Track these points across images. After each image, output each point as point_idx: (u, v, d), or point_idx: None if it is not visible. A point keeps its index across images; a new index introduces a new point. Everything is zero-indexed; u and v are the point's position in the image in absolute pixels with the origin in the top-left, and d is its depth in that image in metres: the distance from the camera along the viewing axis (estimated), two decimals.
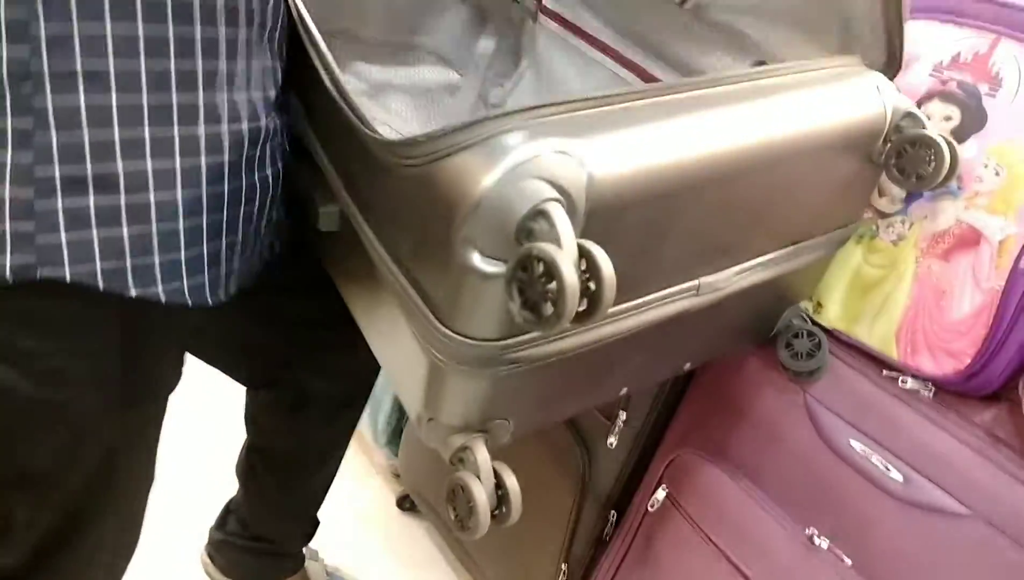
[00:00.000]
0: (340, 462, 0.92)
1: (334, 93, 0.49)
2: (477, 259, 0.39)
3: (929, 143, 0.53)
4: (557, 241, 0.36)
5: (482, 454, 0.47)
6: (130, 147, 0.44)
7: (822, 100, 0.51)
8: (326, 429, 0.87)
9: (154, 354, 0.55)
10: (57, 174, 0.43)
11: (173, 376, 0.59)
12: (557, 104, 0.42)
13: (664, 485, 0.74)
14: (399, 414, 1.20)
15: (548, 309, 0.35)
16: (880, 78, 0.55)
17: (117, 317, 0.49)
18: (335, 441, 0.90)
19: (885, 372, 0.64)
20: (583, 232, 0.39)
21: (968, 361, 0.59)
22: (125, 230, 0.46)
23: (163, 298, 0.49)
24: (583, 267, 0.36)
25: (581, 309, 0.36)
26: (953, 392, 0.62)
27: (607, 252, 0.36)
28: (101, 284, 0.46)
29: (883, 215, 0.63)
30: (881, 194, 0.63)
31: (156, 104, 0.44)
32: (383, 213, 0.49)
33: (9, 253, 0.43)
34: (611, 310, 0.44)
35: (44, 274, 0.45)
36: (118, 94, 0.43)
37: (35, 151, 0.42)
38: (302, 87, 0.55)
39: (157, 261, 0.48)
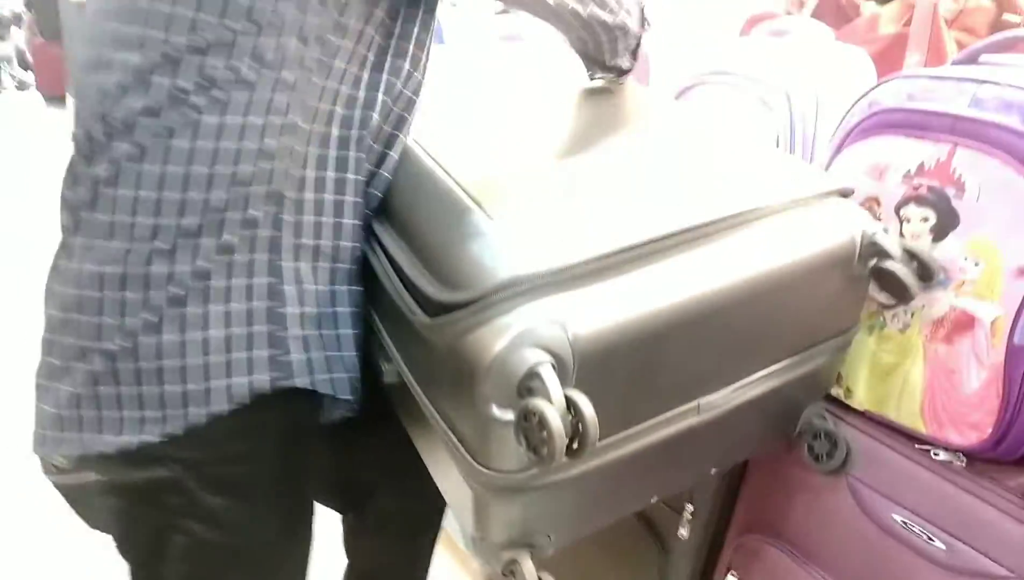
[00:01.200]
0: (427, 572, 1.01)
1: (382, 276, 0.62)
2: (495, 410, 0.50)
3: (891, 272, 0.61)
4: (548, 396, 0.46)
5: (528, 566, 0.56)
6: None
7: (794, 235, 0.60)
8: (410, 544, 0.96)
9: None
10: (288, 312, 0.59)
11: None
12: (548, 273, 0.51)
13: (733, 571, 0.80)
14: None
15: (544, 450, 0.45)
16: (848, 204, 0.64)
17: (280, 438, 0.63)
18: (418, 556, 0.98)
19: (918, 446, 0.70)
20: (576, 379, 0.49)
21: (990, 431, 0.65)
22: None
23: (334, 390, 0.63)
24: (573, 412, 0.46)
25: (574, 447, 0.46)
26: (984, 459, 0.67)
27: (600, 390, 0.46)
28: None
29: (886, 307, 0.71)
30: (881, 289, 0.71)
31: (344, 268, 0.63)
32: (425, 374, 0.60)
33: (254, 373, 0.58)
34: (613, 438, 0.54)
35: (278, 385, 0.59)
36: (326, 262, 0.62)
37: (279, 299, 0.58)
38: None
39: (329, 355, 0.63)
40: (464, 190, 0.60)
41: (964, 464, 0.68)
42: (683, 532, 0.90)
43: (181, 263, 0.55)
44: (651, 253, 0.55)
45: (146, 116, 0.53)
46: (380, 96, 0.63)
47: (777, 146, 0.84)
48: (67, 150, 0.57)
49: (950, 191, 0.66)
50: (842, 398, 0.75)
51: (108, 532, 0.64)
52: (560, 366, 0.49)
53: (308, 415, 0.66)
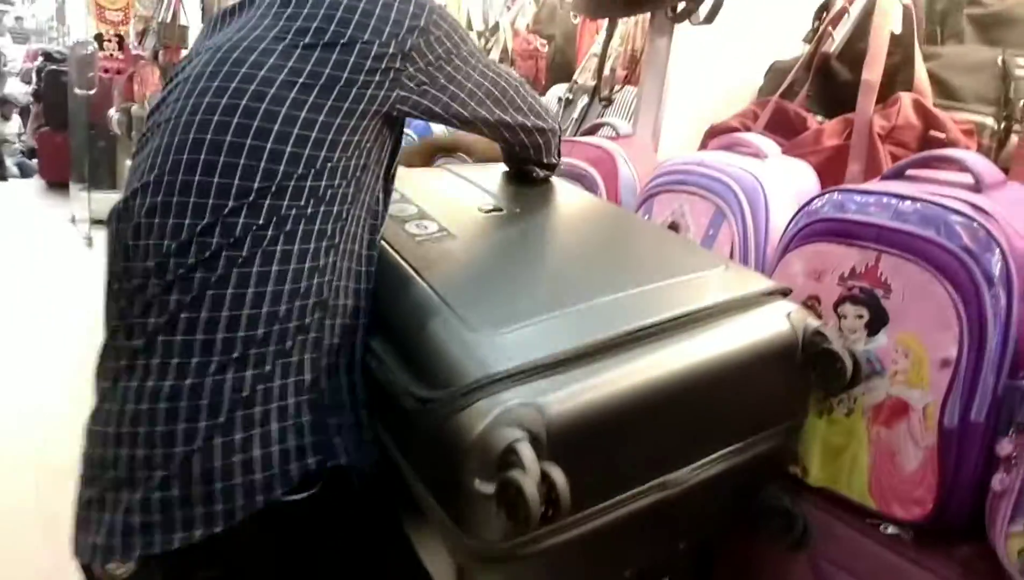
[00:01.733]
0: None
1: (376, 371, 0.70)
2: (477, 483, 0.57)
3: (834, 356, 0.70)
4: (524, 467, 0.53)
5: None
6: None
7: (741, 330, 0.70)
8: None
9: None
10: (325, 402, 0.68)
11: None
12: (521, 366, 0.60)
13: None
14: None
15: (522, 517, 0.52)
16: (790, 305, 0.73)
17: None
18: None
19: (868, 520, 0.77)
20: (549, 451, 0.56)
21: (931, 506, 0.72)
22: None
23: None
24: (547, 483, 0.53)
25: (549, 514, 0.53)
26: (929, 532, 0.74)
27: (572, 466, 0.53)
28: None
29: (831, 394, 0.79)
30: (817, 383, 0.79)
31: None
32: (416, 458, 0.67)
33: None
34: (588, 511, 0.61)
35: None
36: (345, 358, 0.71)
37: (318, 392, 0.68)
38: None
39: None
40: (439, 295, 0.70)
41: (911, 536, 0.75)
42: None
43: (249, 369, 0.63)
44: (614, 346, 0.64)
45: (228, 250, 0.63)
46: (382, 212, 0.75)
47: (731, 250, 0.94)
48: (117, 283, 0.66)
49: (879, 292, 0.75)
50: (799, 476, 0.83)
51: None
52: (535, 442, 0.56)
53: (342, 497, 0.72)
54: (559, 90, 1.65)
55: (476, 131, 0.85)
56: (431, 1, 0.73)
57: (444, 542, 0.63)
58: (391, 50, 0.68)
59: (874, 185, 0.84)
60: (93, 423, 0.67)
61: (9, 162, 8.06)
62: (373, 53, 0.68)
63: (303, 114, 0.65)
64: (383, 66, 0.68)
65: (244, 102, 0.65)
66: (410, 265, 0.76)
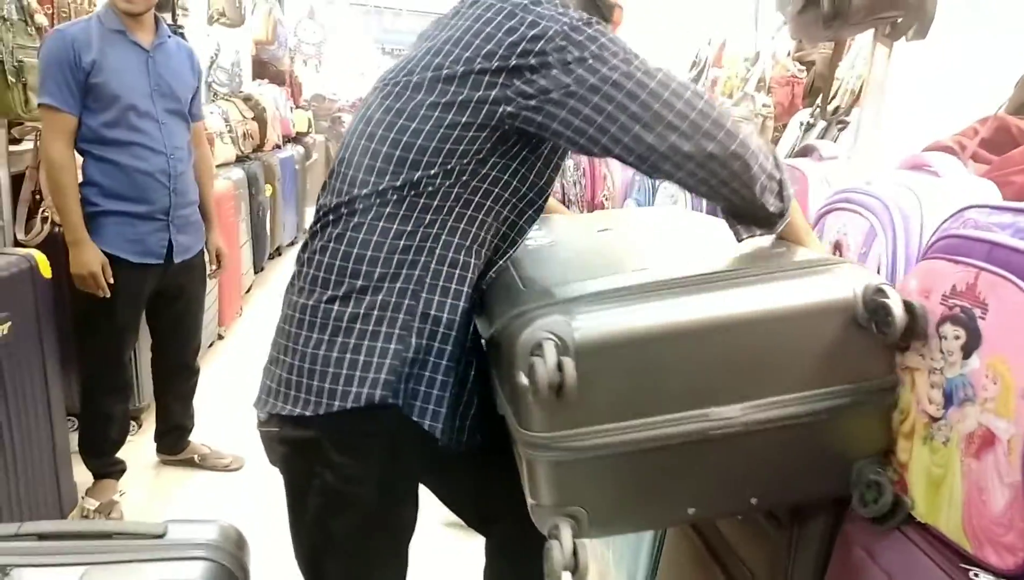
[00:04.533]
0: None
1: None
2: (521, 377, 0.74)
3: (886, 309, 0.72)
4: (543, 356, 0.70)
5: (566, 532, 0.75)
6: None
7: (795, 286, 0.76)
8: (524, 570, 1.10)
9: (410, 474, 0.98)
10: (408, 357, 0.91)
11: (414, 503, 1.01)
12: (563, 301, 0.78)
13: None
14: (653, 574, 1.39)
15: (534, 386, 0.70)
16: (855, 270, 0.77)
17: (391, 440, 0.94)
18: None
19: (962, 564, 0.70)
20: (577, 357, 0.71)
21: (1022, 555, 0.65)
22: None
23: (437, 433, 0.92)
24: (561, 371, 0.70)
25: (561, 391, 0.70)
26: None
27: (602, 371, 0.71)
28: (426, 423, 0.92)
29: (934, 419, 0.74)
30: (931, 402, 0.74)
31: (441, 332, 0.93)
32: (499, 374, 0.85)
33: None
34: (625, 423, 0.74)
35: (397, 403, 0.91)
36: (436, 326, 0.92)
37: (404, 345, 0.91)
38: None
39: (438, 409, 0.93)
40: (519, 277, 0.90)
41: None
42: None
43: (351, 308, 0.90)
44: (649, 290, 0.76)
45: (347, 217, 0.92)
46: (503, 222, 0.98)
47: (879, 267, 0.91)
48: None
49: (977, 311, 0.69)
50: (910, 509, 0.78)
51: (278, 467, 0.99)
52: (562, 345, 0.72)
53: (409, 431, 0.93)
54: (803, 115, 1.63)
55: (630, 162, 0.85)
56: (561, 17, 0.81)
57: (515, 440, 0.79)
58: (494, 65, 0.82)
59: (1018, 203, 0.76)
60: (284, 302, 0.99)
61: None
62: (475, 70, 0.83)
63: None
64: (486, 80, 0.83)
65: None
66: (511, 262, 0.96)
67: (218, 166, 3.58)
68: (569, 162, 2.13)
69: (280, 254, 5.34)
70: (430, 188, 0.88)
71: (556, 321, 0.74)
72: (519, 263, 0.96)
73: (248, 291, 4.37)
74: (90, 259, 1.95)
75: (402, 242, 0.89)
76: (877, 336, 0.75)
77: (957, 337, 0.72)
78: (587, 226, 1.16)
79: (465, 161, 0.87)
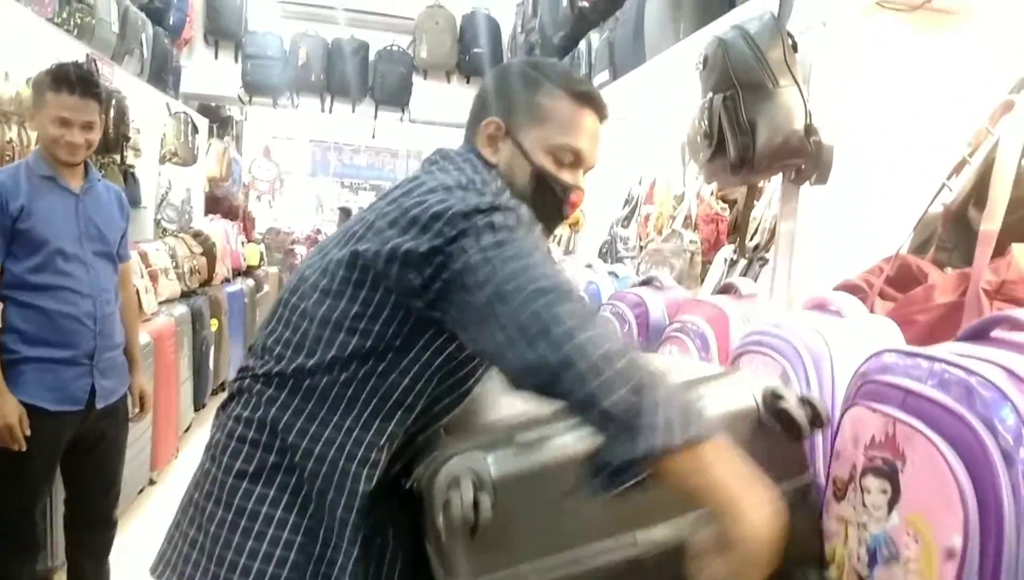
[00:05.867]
0: None
1: None
2: (440, 519, 0.71)
3: (787, 412, 0.75)
4: (459, 491, 0.68)
5: None
6: None
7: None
8: None
9: None
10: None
11: None
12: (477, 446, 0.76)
13: None
14: None
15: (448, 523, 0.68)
16: (755, 379, 0.80)
17: None
18: None
19: None
20: (496, 497, 0.70)
21: None
22: None
23: None
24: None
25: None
26: None
27: (519, 512, 0.69)
28: None
29: (861, 578, 0.70)
30: (858, 559, 0.71)
31: None
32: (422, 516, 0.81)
33: None
34: (551, 559, 0.71)
35: None
36: None
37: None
38: None
39: None
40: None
41: None
42: None
43: (259, 487, 0.86)
44: (545, 422, 0.76)
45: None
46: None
47: None
48: None
49: (898, 464, 0.68)
50: None
51: None
52: (480, 481, 0.70)
53: None
54: (727, 251, 1.69)
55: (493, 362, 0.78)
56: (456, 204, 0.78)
57: None
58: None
59: (932, 348, 0.76)
60: None
61: None
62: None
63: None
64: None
65: None
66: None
67: (162, 302, 3.53)
68: None
69: (223, 389, 5.17)
70: (346, 371, 0.84)
71: (472, 460, 0.73)
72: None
73: (188, 430, 4.18)
74: (6, 411, 1.84)
75: (313, 427, 0.84)
76: (782, 435, 0.77)
77: (884, 491, 0.70)
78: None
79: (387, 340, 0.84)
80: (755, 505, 0.61)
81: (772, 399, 0.78)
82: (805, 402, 0.77)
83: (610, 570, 0.72)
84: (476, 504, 0.69)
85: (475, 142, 0.97)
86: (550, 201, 0.94)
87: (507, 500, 0.71)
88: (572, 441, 0.74)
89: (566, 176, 0.95)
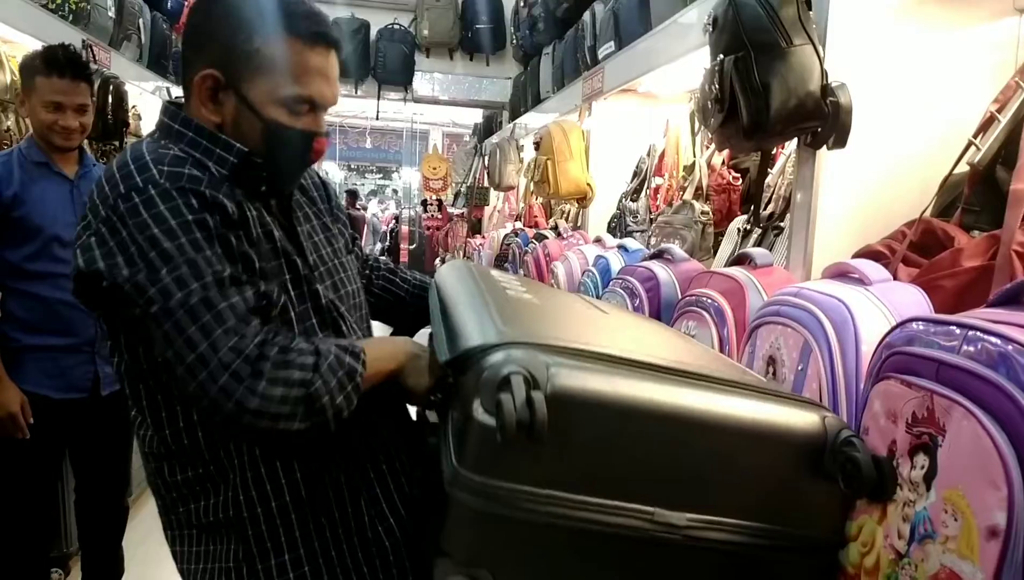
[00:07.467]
0: None
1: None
2: (478, 410, 0.64)
3: (857, 463, 0.67)
4: (512, 393, 0.61)
5: None
6: None
7: (768, 408, 0.70)
8: None
9: None
10: None
11: None
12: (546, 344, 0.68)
13: None
14: None
15: (504, 425, 0.61)
16: (829, 413, 0.72)
17: None
18: None
19: None
20: (549, 423, 0.62)
21: None
22: None
23: None
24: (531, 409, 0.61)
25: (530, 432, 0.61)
26: None
27: (563, 441, 0.63)
28: None
29: (900, 555, 0.66)
30: (900, 536, 0.67)
31: None
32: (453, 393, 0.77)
33: None
34: (569, 495, 0.65)
35: None
36: None
37: None
38: None
39: None
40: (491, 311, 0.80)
41: None
42: None
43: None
44: (652, 370, 0.69)
45: None
46: None
47: (819, 386, 0.85)
48: None
49: (939, 439, 0.63)
50: None
51: None
52: (533, 381, 0.63)
53: None
54: (740, 222, 1.63)
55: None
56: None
57: (445, 479, 0.68)
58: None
59: (963, 315, 0.71)
60: None
61: None
62: None
63: None
64: None
65: None
66: (486, 295, 0.85)
67: None
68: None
69: None
70: None
71: (529, 358, 0.65)
72: (495, 294, 0.87)
73: None
74: (8, 399, 1.82)
75: None
76: (835, 488, 0.70)
77: (923, 467, 0.65)
78: (571, 298, 1.13)
79: None
80: (408, 368, 0.98)
81: (842, 443, 0.70)
82: (877, 462, 0.68)
83: (617, 530, 0.67)
84: (530, 403, 0.61)
85: (191, 99, 0.89)
86: (292, 155, 0.89)
87: (557, 417, 0.63)
88: (638, 386, 0.67)
89: (305, 123, 0.88)
